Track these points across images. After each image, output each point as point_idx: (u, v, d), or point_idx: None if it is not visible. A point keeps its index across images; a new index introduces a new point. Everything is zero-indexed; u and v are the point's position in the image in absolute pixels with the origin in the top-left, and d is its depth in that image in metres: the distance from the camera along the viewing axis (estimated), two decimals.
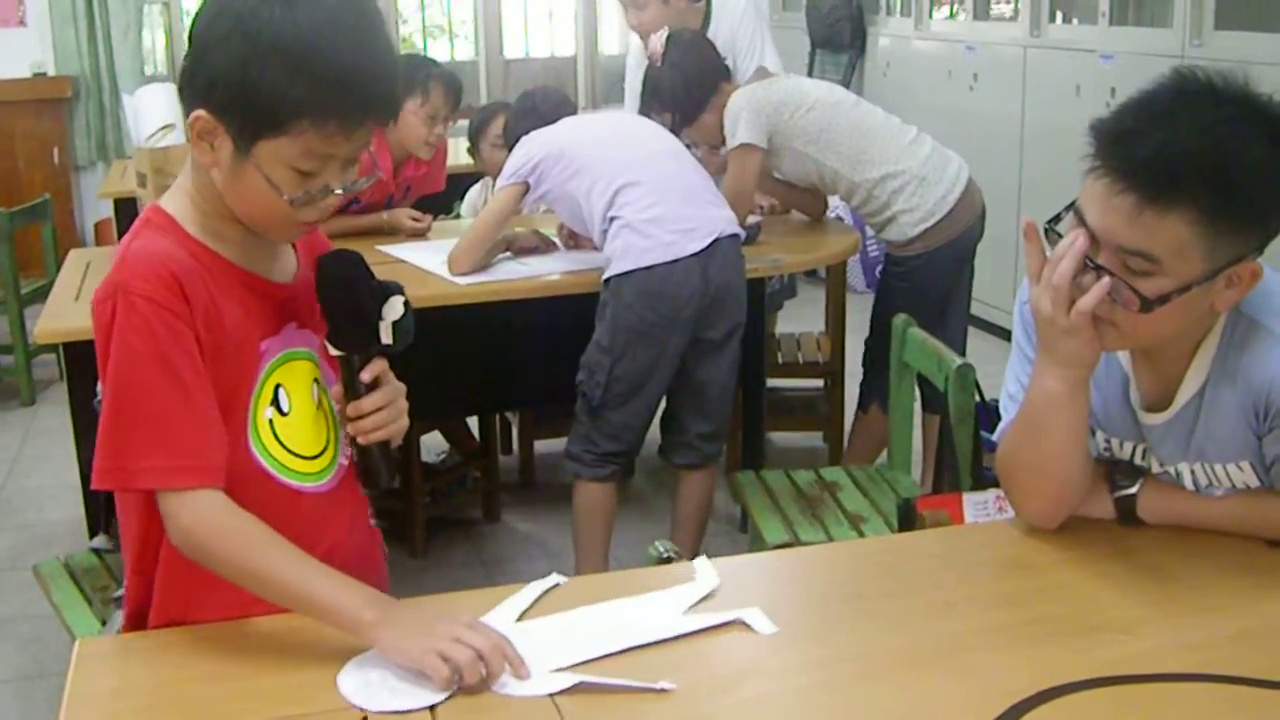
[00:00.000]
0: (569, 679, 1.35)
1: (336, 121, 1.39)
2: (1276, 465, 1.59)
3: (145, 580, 1.52)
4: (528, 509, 4.07)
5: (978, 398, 2.53)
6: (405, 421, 1.57)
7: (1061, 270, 1.51)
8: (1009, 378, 1.76)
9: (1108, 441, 1.72)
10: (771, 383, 4.09)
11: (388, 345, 1.52)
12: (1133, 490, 1.68)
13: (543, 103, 3.40)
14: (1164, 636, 1.44)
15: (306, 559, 1.42)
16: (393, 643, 1.36)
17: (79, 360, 2.91)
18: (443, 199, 4.13)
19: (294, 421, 1.54)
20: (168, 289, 1.41)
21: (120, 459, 1.41)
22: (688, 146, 3.46)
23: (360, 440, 1.54)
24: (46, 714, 2.86)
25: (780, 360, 4.21)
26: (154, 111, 3.79)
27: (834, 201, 4.06)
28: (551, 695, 1.33)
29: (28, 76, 6.58)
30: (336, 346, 1.53)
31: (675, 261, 3.00)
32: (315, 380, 1.57)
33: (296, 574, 1.41)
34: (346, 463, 1.60)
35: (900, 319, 2.84)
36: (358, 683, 1.35)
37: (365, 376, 1.52)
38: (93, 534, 2.87)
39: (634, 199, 3.05)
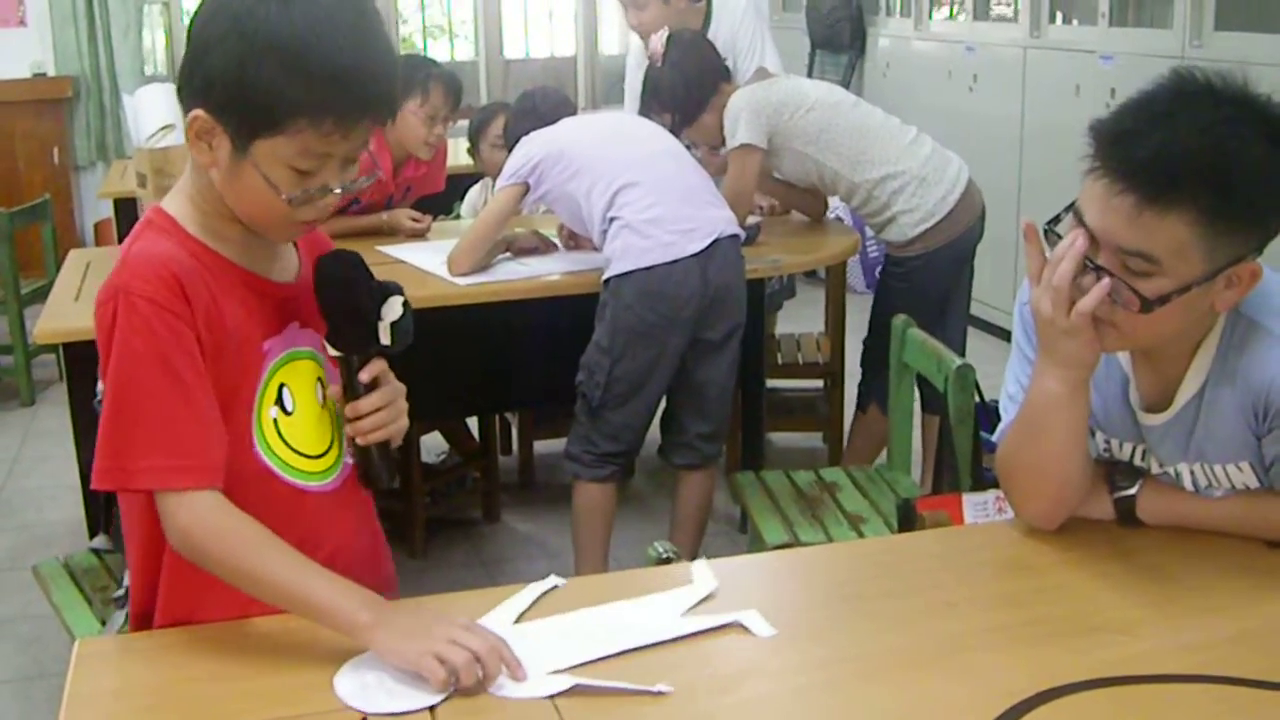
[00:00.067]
0: (566, 681, 1.35)
1: (333, 120, 1.39)
2: (1276, 466, 1.59)
3: (150, 582, 1.52)
4: (527, 509, 4.07)
5: (977, 398, 2.53)
6: (405, 422, 1.57)
7: (1061, 271, 1.51)
8: (1009, 378, 1.76)
9: (1107, 442, 1.72)
10: (771, 383, 4.09)
11: (386, 346, 1.52)
12: (1132, 491, 1.68)
13: (542, 103, 3.40)
14: (1163, 637, 1.44)
15: (303, 561, 1.42)
16: (389, 645, 1.36)
17: (79, 360, 2.91)
18: (442, 199, 4.13)
19: (298, 421, 1.54)
20: (169, 290, 1.41)
21: (119, 459, 1.41)
22: (687, 147, 3.46)
23: (359, 441, 1.55)
24: (46, 714, 2.86)
25: (780, 361, 4.21)
26: (154, 112, 3.78)
27: (834, 202, 4.06)
28: (551, 697, 1.33)
29: (28, 76, 6.58)
30: (335, 347, 1.53)
31: (675, 262, 3.00)
32: (319, 379, 1.57)
33: (293, 576, 1.41)
34: (351, 462, 1.60)
35: (900, 319, 2.84)
36: (354, 684, 1.35)
37: (364, 377, 1.52)
38: (92, 534, 2.87)
39: (633, 199, 3.05)
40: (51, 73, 6.62)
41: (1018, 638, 1.45)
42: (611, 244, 3.07)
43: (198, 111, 1.42)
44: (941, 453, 2.64)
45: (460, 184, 4.30)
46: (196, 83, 1.42)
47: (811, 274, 5.16)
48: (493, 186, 3.53)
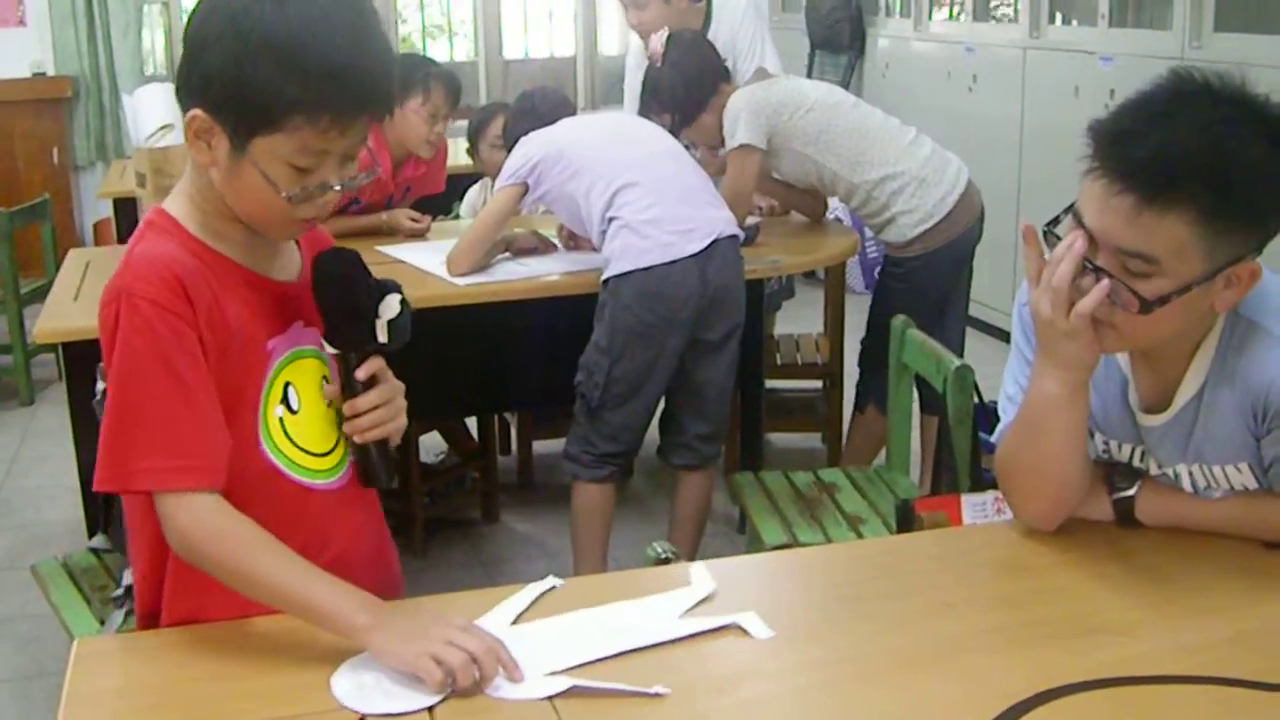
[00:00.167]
0: (564, 682, 1.35)
1: (330, 116, 1.40)
2: (1274, 467, 1.59)
3: (156, 582, 1.53)
4: (526, 509, 4.07)
5: (976, 399, 2.53)
6: (404, 420, 1.58)
7: (1060, 273, 1.51)
8: (1007, 379, 1.76)
9: (1106, 444, 1.72)
10: (770, 384, 4.09)
11: (384, 344, 1.52)
12: (1131, 492, 1.68)
13: (542, 103, 3.40)
14: (1162, 638, 1.44)
15: (301, 563, 1.42)
16: (386, 646, 1.36)
17: (78, 360, 2.91)
18: (442, 200, 4.13)
19: (304, 419, 1.54)
20: (170, 291, 1.41)
21: (121, 460, 1.41)
22: (687, 148, 3.46)
23: (357, 439, 1.55)
24: (45, 713, 2.86)
25: (779, 361, 4.21)
26: (153, 111, 3.78)
27: (833, 203, 4.06)
28: (549, 698, 1.33)
29: (27, 76, 6.58)
30: (333, 344, 1.53)
31: (674, 262, 3.00)
32: (324, 378, 1.57)
33: (291, 578, 1.41)
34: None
35: (899, 320, 2.84)
36: (351, 685, 1.35)
37: (361, 375, 1.53)
38: (91, 534, 2.87)
39: (632, 200, 3.05)
40: (51, 72, 6.62)
41: (1016, 639, 1.45)
42: (610, 244, 3.06)
43: (196, 111, 1.42)
44: (940, 454, 2.64)
45: (459, 184, 4.30)
46: (194, 82, 1.42)
47: (811, 274, 5.16)
48: (492, 187, 3.53)
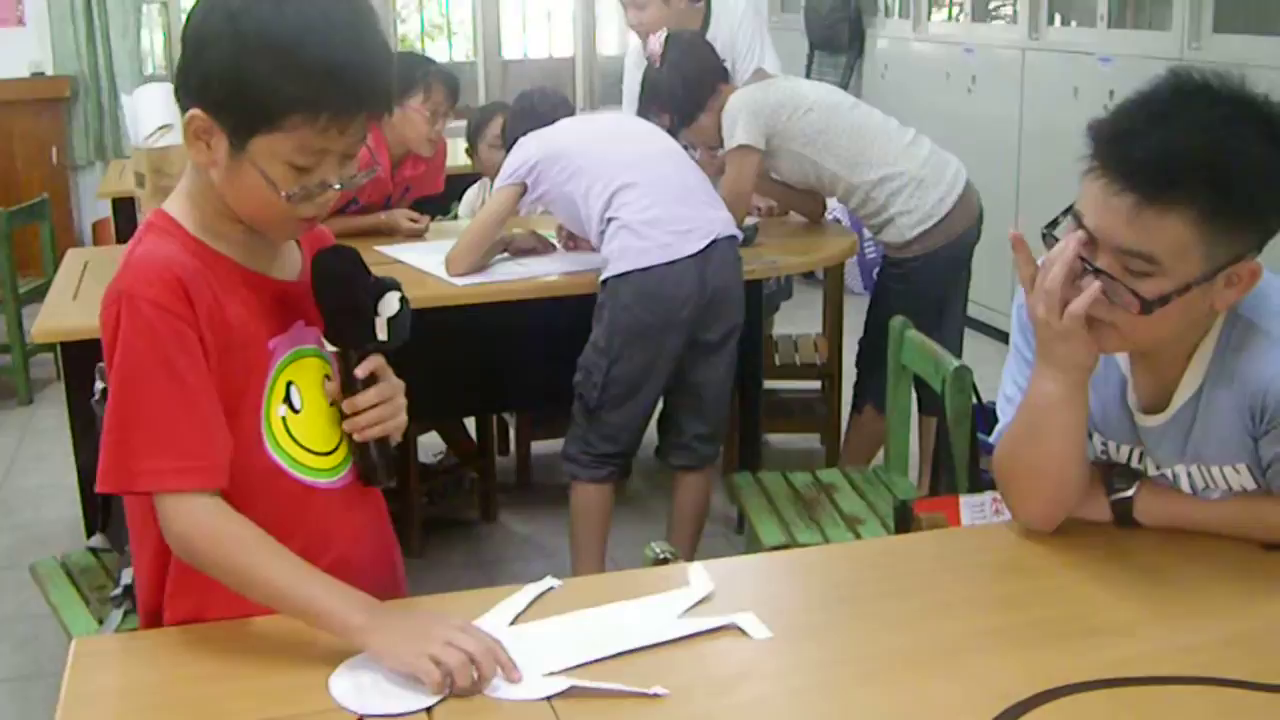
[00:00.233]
0: (562, 683, 1.34)
1: (329, 115, 1.40)
2: (1273, 467, 1.59)
3: (159, 581, 1.53)
4: (525, 510, 4.07)
5: (975, 400, 2.53)
6: (404, 418, 1.58)
7: (1053, 275, 1.51)
8: (1006, 380, 1.76)
9: (1104, 444, 1.72)
10: (768, 384, 4.09)
11: (383, 341, 1.52)
12: (1129, 493, 1.68)
13: (541, 104, 3.40)
14: (1160, 639, 1.44)
15: (300, 564, 1.42)
16: (384, 647, 1.36)
17: (76, 359, 2.91)
18: (441, 200, 4.13)
19: (307, 418, 1.54)
20: (171, 292, 1.41)
21: (121, 461, 1.41)
22: (686, 148, 3.46)
23: (356, 437, 1.55)
24: (43, 713, 2.85)
25: (777, 362, 4.22)
26: (152, 111, 3.78)
27: (832, 203, 4.06)
28: (548, 699, 1.33)
29: (26, 76, 6.58)
30: (332, 342, 1.53)
31: (672, 263, 3.00)
32: (326, 377, 1.57)
33: (289, 579, 1.41)
34: None
35: (898, 321, 2.84)
36: (349, 685, 1.35)
37: (360, 372, 1.53)
38: (90, 533, 2.86)
39: (631, 200, 3.05)
40: (50, 72, 6.62)
41: (1015, 639, 1.45)
42: (609, 245, 3.06)
43: (195, 111, 1.42)
44: (939, 454, 2.64)
45: (458, 184, 4.30)
46: (193, 82, 1.42)
47: (809, 275, 5.16)
48: (490, 187, 3.53)
